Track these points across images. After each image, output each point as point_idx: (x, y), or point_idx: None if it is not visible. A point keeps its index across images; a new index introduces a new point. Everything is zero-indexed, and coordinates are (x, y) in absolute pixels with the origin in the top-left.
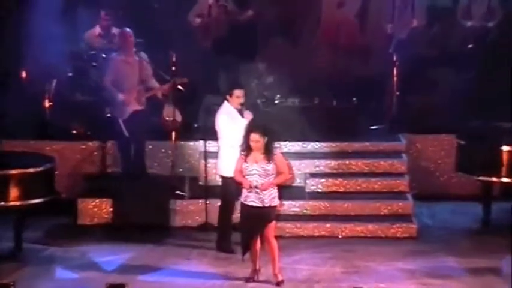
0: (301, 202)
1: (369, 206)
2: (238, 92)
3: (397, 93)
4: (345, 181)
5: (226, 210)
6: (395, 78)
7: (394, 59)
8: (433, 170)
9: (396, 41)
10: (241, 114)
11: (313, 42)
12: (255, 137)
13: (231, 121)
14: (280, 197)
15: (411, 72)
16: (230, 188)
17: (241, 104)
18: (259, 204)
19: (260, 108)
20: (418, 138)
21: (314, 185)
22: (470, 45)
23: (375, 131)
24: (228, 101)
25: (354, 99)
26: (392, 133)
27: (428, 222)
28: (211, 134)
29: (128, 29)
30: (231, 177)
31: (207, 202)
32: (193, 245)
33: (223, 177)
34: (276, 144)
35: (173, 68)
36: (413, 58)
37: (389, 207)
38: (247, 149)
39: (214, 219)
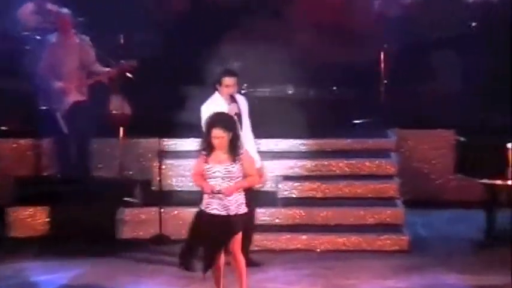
0: (272, 210)
1: (352, 214)
2: (227, 80)
3: (385, 81)
4: (324, 185)
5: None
6: (382, 64)
7: (382, 41)
8: (428, 171)
9: (385, 19)
10: (231, 103)
11: (286, 20)
12: (217, 132)
13: (215, 108)
14: (250, 202)
15: (402, 57)
16: None
17: (231, 96)
18: (224, 213)
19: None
20: (410, 134)
21: (288, 190)
22: (473, 24)
23: (359, 126)
24: (217, 90)
25: (335, 88)
26: (379, 128)
27: (422, 232)
28: (168, 129)
29: (65, 9)
30: None
31: (162, 210)
32: (146, 260)
33: None
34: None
35: (120, 52)
36: (405, 40)
37: (376, 216)
38: (208, 147)
39: (169, 230)
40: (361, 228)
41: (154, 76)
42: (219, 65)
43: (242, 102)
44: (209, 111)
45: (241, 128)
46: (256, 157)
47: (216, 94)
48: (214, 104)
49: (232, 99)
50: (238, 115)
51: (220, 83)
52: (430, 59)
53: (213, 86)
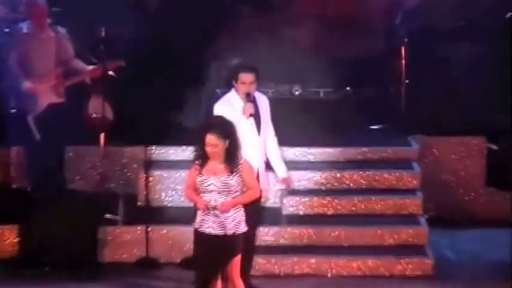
0: (276, 229)
1: (368, 234)
2: (244, 77)
3: (407, 80)
4: (336, 200)
5: None
6: (403, 61)
7: (402, 33)
8: (455, 185)
9: (404, 9)
10: (247, 102)
11: (291, 11)
12: (212, 139)
13: (231, 114)
14: (251, 220)
15: (425, 52)
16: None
17: (248, 94)
18: (220, 232)
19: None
20: (435, 141)
21: (294, 206)
22: (509, 14)
23: (376, 132)
24: (234, 87)
25: (348, 88)
26: (400, 134)
27: (449, 255)
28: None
29: None
30: None
31: (149, 229)
32: (131, 287)
33: None
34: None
35: (101, 47)
36: (428, 32)
37: (395, 236)
38: (202, 156)
39: (158, 252)
40: (378, 250)
41: (140, 75)
42: (215, 62)
43: (263, 102)
44: (223, 112)
45: (259, 132)
46: (282, 168)
47: (232, 92)
48: (228, 104)
49: (249, 98)
50: (256, 117)
51: (236, 80)
52: (459, 55)
53: (228, 83)
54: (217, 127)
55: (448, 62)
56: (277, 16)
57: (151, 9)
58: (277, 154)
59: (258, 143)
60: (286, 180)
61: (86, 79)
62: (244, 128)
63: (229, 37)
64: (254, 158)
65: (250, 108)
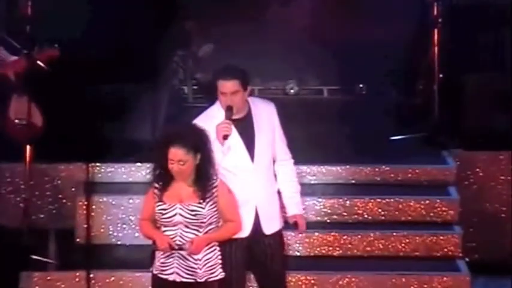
0: None
1: (389, 282)
2: (222, 85)
3: (441, 75)
4: (345, 237)
5: None
6: (436, 48)
7: (435, 12)
8: (507, 216)
9: None
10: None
11: None
12: (177, 153)
13: (212, 135)
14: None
15: (467, 36)
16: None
17: (229, 108)
18: (188, 279)
19: (189, 100)
20: (481, 158)
21: (290, 244)
22: None
23: (400, 145)
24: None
25: (361, 86)
26: (432, 149)
27: None
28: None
29: None
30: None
31: (91, 276)
32: None
33: None
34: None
35: (27, 28)
36: (472, 10)
37: (425, 286)
38: (163, 176)
39: None
40: None
41: (80, 69)
42: (181, 49)
43: (264, 115)
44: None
45: (252, 159)
46: (294, 202)
47: (216, 104)
48: (210, 120)
49: (229, 113)
50: (247, 137)
51: (216, 88)
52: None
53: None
54: (185, 137)
55: (500, 49)
56: None
57: None
58: (290, 183)
59: (252, 174)
60: (297, 219)
61: (7, 73)
62: (230, 154)
63: (196, 17)
64: (248, 193)
65: (224, 128)
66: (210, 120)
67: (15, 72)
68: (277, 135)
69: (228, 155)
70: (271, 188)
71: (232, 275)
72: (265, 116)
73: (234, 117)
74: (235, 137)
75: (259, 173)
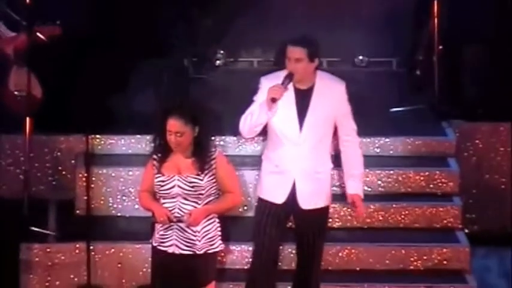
0: None
1: (389, 254)
2: (289, 50)
3: (440, 46)
4: (345, 208)
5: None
6: (435, 19)
7: None
8: (507, 188)
9: None
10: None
11: None
12: (175, 124)
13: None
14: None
15: (467, 6)
16: (261, 222)
17: (289, 75)
18: (187, 251)
19: (190, 73)
20: (480, 129)
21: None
22: None
23: (399, 117)
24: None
25: (360, 57)
26: (431, 120)
27: (497, 282)
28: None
29: None
30: (264, 201)
31: (91, 247)
32: None
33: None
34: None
35: (27, 2)
36: None
37: (425, 257)
38: (162, 148)
39: (104, 278)
40: (404, 275)
41: (80, 40)
42: (184, 23)
43: (329, 92)
44: (264, 87)
45: (300, 128)
46: (355, 181)
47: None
48: (275, 79)
49: (288, 80)
50: (301, 108)
51: (284, 53)
52: None
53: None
54: (184, 109)
55: (500, 20)
56: None
57: None
58: (351, 165)
59: (297, 146)
60: (354, 199)
61: (6, 50)
62: (278, 119)
63: None
64: (288, 164)
65: (274, 91)
66: (275, 80)
67: (14, 48)
68: (341, 115)
69: (279, 121)
70: (319, 167)
71: (264, 243)
72: (329, 93)
73: (299, 87)
74: (290, 105)
75: (305, 147)
